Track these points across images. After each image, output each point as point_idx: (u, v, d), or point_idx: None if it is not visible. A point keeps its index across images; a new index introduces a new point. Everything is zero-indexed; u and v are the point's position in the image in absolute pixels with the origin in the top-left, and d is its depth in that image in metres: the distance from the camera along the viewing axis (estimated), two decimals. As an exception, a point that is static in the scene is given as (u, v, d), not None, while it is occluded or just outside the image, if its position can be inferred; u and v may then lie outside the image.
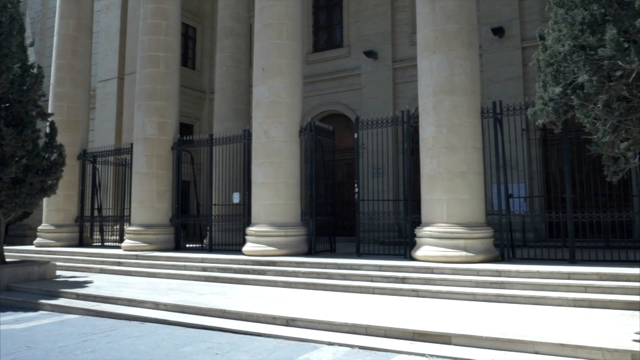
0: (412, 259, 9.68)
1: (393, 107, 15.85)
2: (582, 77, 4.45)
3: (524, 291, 7.30)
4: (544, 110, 5.04)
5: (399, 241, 12.61)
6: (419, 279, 8.32)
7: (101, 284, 10.33)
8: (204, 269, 10.77)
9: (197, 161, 16.75)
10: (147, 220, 13.47)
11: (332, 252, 11.96)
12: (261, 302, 7.69)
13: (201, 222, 13.65)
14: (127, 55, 19.35)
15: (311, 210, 11.37)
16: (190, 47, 20.35)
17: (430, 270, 8.60)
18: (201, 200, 15.55)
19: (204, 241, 15.21)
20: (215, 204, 13.23)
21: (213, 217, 13.18)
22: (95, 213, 16.19)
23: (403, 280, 8.42)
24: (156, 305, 8.03)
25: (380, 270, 9.02)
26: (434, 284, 8.14)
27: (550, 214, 9.06)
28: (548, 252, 9.33)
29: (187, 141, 13.55)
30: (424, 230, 9.39)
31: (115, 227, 16.38)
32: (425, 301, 7.50)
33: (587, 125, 5.38)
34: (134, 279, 10.94)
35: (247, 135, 12.27)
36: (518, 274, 7.82)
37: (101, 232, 16.39)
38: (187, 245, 14.44)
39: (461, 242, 9.01)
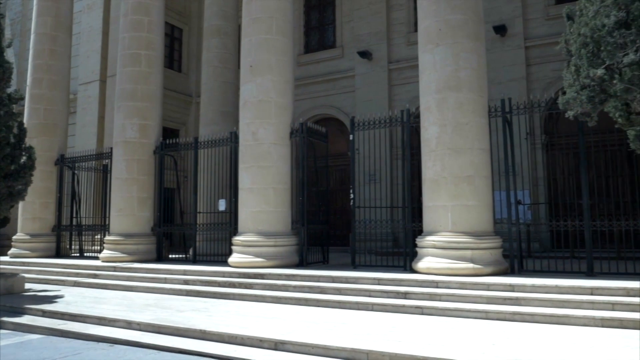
0: (413, 271, 8.87)
1: (388, 109, 15.07)
2: (631, 56, 3.67)
3: (543, 308, 6.49)
4: (578, 98, 4.24)
5: (396, 251, 11.79)
6: (422, 294, 7.49)
7: (72, 298, 9.39)
8: (186, 282, 9.86)
9: (181, 167, 15.87)
10: (127, 229, 12.55)
11: (324, 263, 11.12)
12: (247, 321, 6.81)
13: (185, 231, 12.73)
14: (110, 56, 18.46)
15: (303, 218, 10.53)
16: (176, 49, 19.52)
17: (435, 284, 7.78)
18: (185, 207, 14.69)
19: (189, 251, 14.33)
20: (200, 212, 12.34)
21: (197, 225, 12.29)
22: (75, 222, 15.22)
23: (405, 295, 7.58)
24: (129, 324, 7.12)
25: (379, 284, 8.18)
26: (440, 300, 7.31)
27: (566, 222, 8.28)
28: (556, 263, 8.54)
29: (170, 145, 12.67)
30: (427, 240, 8.58)
31: (96, 237, 15.43)
32: (431, 320, 6.67)
33: (620, 119, 4.61)
34: (110, 293, 9.99)
35: (234, 138, 11.42)
36: (534, 288, 7.02)
37: (80, 242, 15.42)
38: (171, 256, 13.50)
39: (468, 253, 8.21)
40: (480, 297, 7.07)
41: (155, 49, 12.97)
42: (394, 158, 15.31)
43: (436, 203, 8.60)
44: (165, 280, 10.17)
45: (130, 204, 12.58)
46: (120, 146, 12.74)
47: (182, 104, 19.41)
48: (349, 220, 16.79)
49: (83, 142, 18.64)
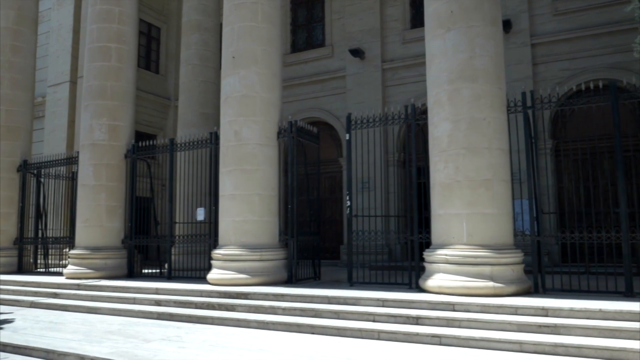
0: (421, 289, 7.69)
1: (382, 113, 13.97)
2: None
3: (590, 339, 5.33)
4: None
5: (392, 266, 10.59)
6: (438, 319, 6.28)
7: (23, 324, 7.97)
8: (158, 303, 8.51)
9: (158, 174, 14.54)
10: (94, 242, 11.17)
11: (316, 280, 9.88)
12: (226, 355, 5.52)
13: (159, 244, 11.37)
14: (81, 56, 17.02)
15: (292, 229, 9.29)
16: (154, 49, 18.22)
17: (451, 307, 6.58)
18: (162, 217, 13.33)
19: (166, 266, 12.99)
20: (176, 222, 11.03)
21: (173, 237, 10.96)
22: (41, 234, 13.74)
23: (417, 320, 6.37)
24: (82, 360, 5.78)
25: (383, 306, 6.96)
26: (460, 326, 6.11)
27: (600, 234, 7.18)
28: (579, 280, 7.43)
29: (143, 147, 11.34)
30: (437, 254, 7.40)
31: (65, 251, 13.98)
32: (453, 352, 5.46)
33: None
34: (69, 317, 8.59)
35: (214, 139, 10.17)
36: (572, 313, 5.87)
37: (45, 256, 13.94)
38: (145, 271, 12.11)
39: (487, 269, 7.05)
40: (509, 323, 5.89)
41: (127, 42, 11.69)
42: (389, 164, 14.17)
43: (448, 211, 7.44)
44: (134, 301, 8.80)
45: (97, 214, 11.21)
46: (87, 149, 11.39)
47: (160, 107, 18.09)
48: (340, 231, 15.73)
49: (52, 148, 17.17)
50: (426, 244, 8.15)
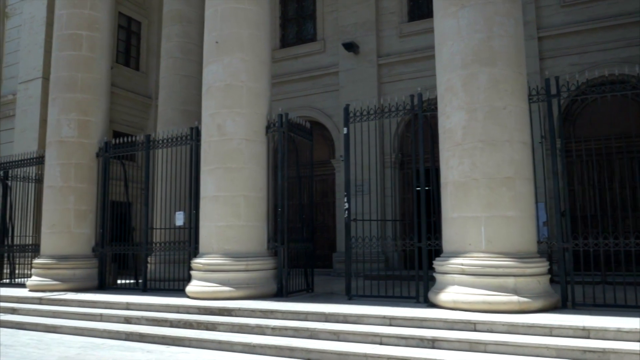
0: (432, 304, 6.69)
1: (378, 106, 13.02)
2: None
3: (651, 366, 4.36)
4: None
5: (390, 275, 9.57)
6: (459, 341, 5.27)
7: (-32, 347, 6.80)
8: (128, 321, 7.38)
9: (137, 177, 13.41)
10: (61, 250, 10.01)
11: (309, 292, 8.84)
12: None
13: (134, 252, 10.23)
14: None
15: (282, 235, 8.25)
16: (134, 44, 17.09)
17: (472, 326, 5.58)
18: (139, 223, 12.18)
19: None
20: (153, 228, 9.94)
21: (150, 245, 9.85)
22: (7, 241, 12.51)
23: (433, 343, 5.35)
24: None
25: (391, 325, 5.94)
26: (486, 351, 5.11)
27: (617, 241, 6.28)
28: (604, 291, 6.50)
29: (117, 145, 10.22)
30: (452, 264, 6.41)
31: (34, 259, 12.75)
32: (483, 384, 4.45)
33: None
34: (24, 337, 7.43)
35: (195, 135, 9.11)
36: (620, 334, 4.90)
37: (11, 265, 12.70)
38: (120, 282, 10.96)
39: (510, 281, 6.07)
40: (546, 347, 4.90)
41: (100, 29, 10.60)
42: (385, 166, 13.20)
43: (463, 214, 6.46)
44: (101, 318, 7.66)
45: (65, 219, 10.06)
46: (54, 147, 10.24)
47: (140, 106, 16.94)
48: (332, 238, 14.68)
49: (23, 148, 15.83)
50: (435, 252, 7.17)
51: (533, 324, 5.33)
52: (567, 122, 11.75)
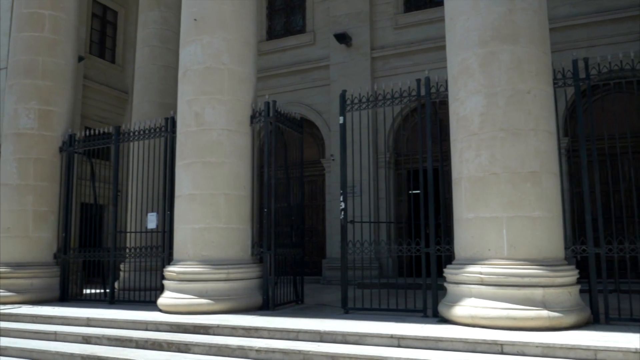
0: (443, 319, 5.76)
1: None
2: None
3: None
4: None
5: (385, 283, 8.60)
6: (485, 367, 4.32)
7: None
8: (86, 340, 6.28)
9: (110, 178, 12.29)
10: (17, 257, 8.86)
11: (299, 304, 7.85)
12: None
13: (100, 259, 9.08)
14: (23, 39, 14.74)
15: (268, 240, 7.25)
16: (109, 35, 15.96)
17: (499, 348, 4.64)
18: (119, 226, 11.07)
19: (114, 285, 10.73)
20: (120, 231, 8.85)
21: (119, 250, 8.76)
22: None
23: (454, 370, 4.39)
24: None
25: (400, 346, 4.97)
26: (520, 380, 4.16)
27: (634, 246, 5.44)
28: (630, 302, 5.66)
29: (83, 139, 9.11)
30: (468, 273, 5.47)
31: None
32: None
33: None
34: (-35, 359, 6.29)
35: (170, 126, 8.07)
36: (686, 358, 4.00)
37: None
38: (88, 292, 9.78)
39: (538, 293, 5.15)
40: (596, 376, 3.97)
41: (65, 9, 9.50)
42: (379, 165, 12.28)
43: (481, 214, 5.54)
44: (55, 337, 6.54)
45: (22, 221, 8.91)
46: (10, 140, 9.10)
47: (116, 101, 15.80)
48: (322, 243, 13.65)
49: (-13, 146, 14.71)
50: (446, 258, 6.24)
51: (573, 345, 4.41)
52: (573, 120, 10.98)
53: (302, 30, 13.99)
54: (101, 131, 9.10)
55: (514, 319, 5.08)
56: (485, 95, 5.63)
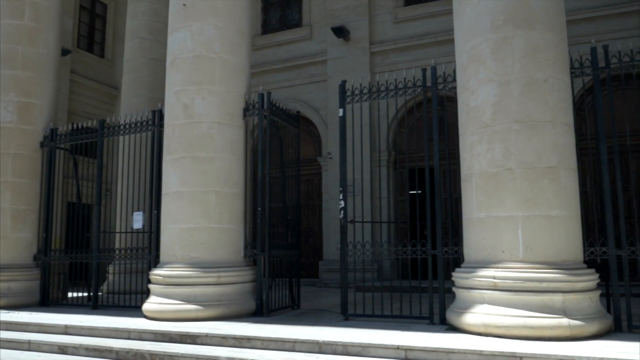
0: (452, 327, 5.32)
1: (371, 103, 11.67)
2: None
3: None
4: None
5: (384, 286, 8.13)
6: (505, 384, 3.86)
7: None
8: (63, 350, 5.77)
9: (93, 175, 11.79)
10: (-5, 259, 8.31)
11: (294, 309, 7.38)
12: None
13: (83, 261, 8.54)
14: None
15: (263, 241, 6.77)
16: (99, 29, 15.43)
17: (518, 361, 4.18)
18: (105, 226, 10.57)
19: (101, 288, 10.22)
20: (105, 231, 8.36)
21: (103, 252, 8.24)
22: None
23: (470, 387, 3.93)
24: None
25: (406, 358, 4.50)
26: (545, 399, 3.71)
27: None
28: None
29: (66, 133, 8.59)
30: (480, 277, 5.02)
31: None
32: None
33: None
34: None
35: (158, 119, 7.57)
36: None
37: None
38: (73, 295, 9.24)
39: (558, 299, 4.71)
40: (633, 395, 3.52)
41: (48, -4, 8.99)
42: (377, 164, 11.83)
43: (494, 213, 5.09)
44: (29, 346, 6.02)
45: (1, 220, 8.37)
46: (-12, 134, 8.57)
47: (105, 97, 15.27)
48: (318, 244, 13.15)
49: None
50: (453, 260, 5.79)
51: (602, 358, 3.96)
52: (579, 118, 10.58)
53: (298, 24, 13.53)
54: (85, 125, 8.60)
55: (532, 327, 4.64)
56: (497, 84, 5.19)
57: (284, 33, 13.55)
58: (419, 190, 10.08)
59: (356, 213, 9.49)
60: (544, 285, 4.74)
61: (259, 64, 13.10)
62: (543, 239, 4.92)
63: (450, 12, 11.62)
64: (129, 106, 10.91)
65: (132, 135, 8.04)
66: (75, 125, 8.51)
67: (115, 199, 10.69)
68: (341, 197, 6.42)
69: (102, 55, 15.46)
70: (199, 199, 6.49)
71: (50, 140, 8.61)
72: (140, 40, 11.21)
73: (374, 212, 11.48)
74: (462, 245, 5.67)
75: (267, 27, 13.95)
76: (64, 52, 13.15)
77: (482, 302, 4.98)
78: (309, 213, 12.96)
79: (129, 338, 5.74)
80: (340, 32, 12.20)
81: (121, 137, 8.92)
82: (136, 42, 11.24)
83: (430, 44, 11.68)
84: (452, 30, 12.03)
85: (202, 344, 5.31)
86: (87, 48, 14.96)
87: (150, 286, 6.66)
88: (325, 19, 12.95)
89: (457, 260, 5.76)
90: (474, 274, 5.11)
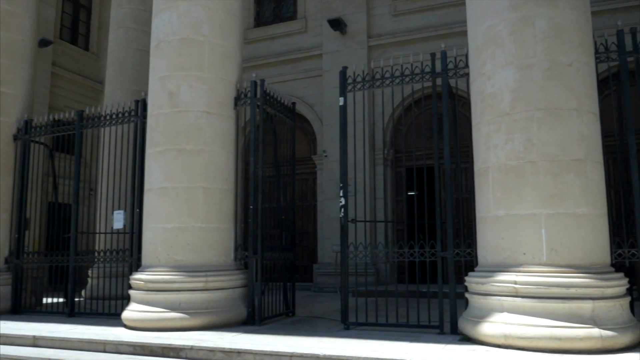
0: (465, 337, 4.78)
1: (369, 99, 11.15)
2: None
3: None
4: None
5: (383, 291, 7.60)
6: (537, 407, 3.32)
7: None
8: (31, 364, 5.15)
9: (82, 175, 11.16)
10: (-37, 262, 7.66)
11: (289, 316, 6.81)
12: None
13: (59, 264, 7.89)
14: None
15: (255, 242, 6.19)
16: (83, 20, 14.77)
17: (549, 380, 3.65)
18: (89, 226, 9.94)
19: (82, 293, 9.62)
20: (83, 232, 7.75)
21: (80, 255, 7.61)
22: None
23: (496, 410, 3.38)
24: None
25: (418, 375, 3.96)
26: None
27: None
28: None
29: (42, 124, 7.95)
30: (499, 282, 4.49)
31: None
32: None
33: None
34: None
35: (141, 109, 6.98)
36: None
37: None
38: (51, 301, 8.57)
39: (587, 307, 4.20)
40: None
41: (24, -23, 8.36)
42: (376, 162, 11.29)
43: (514, 211, 4.57)
44: (-7, 359, 5.40)
45: (-30, 221, 7.73)
46: (-43, 127, 7.92)
47: (89, 92, 14.58)
48: (312, 246, 12.54)
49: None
50: (468, 265, 5.27)
51: (646, 377, 3.44)
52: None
53: (292, 16, 12.98)
54: (63, 116, 7.96)
55: (559, 339, 4.11)
56: (517, 68, 4.67)
57: (278, 26, 13.00)
58: (419, 189, 9.58)
59: (352, 213, 9.01)
60: (572, 291, 4.23)
61: (252, 58, 12.53)
62: (569, 239, 4.41)
63: (451, 5, 11.39)
64: (113, 99, 10.22)
65: (116, 129, 7.44)
66: (51, 117, 7.88)
67: (97, 197, 10.08)
68: (341, 194, 5.87)
69: (86, 48, 14.80)
70: (185, 196, 5.90)
71: (24, 133, 7.96)
72: (125, 30, 10.62)
73: (372, 212, 10.96)
74: (475, 247, 5.15)
75: (260, 20, 13.39)
76: (46, 42, 12.53)
77: (502, 310, 4.44)
78: (303, 214, 12.39)
79: (104, 351, 5.13)
80: (337, 24, 11.67)
81: (104, 132, 8.35)
82: (121, 32, 10.65)
83: (430, 38, 11.17)
84: (453, 23, 11.49)
85: (186, 358, 4.72)
86: (71, 40, 14.29)
87: (131, 292, 6.06)
88: (321, 12, 12.42)
89: (468, 264, 5.24)
90: (491, 279, 4.58)
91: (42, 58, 12.96)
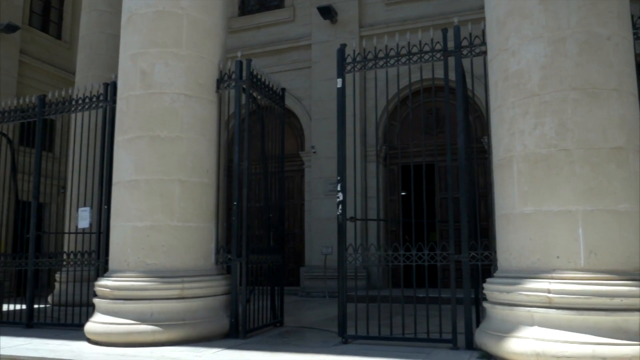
0: (485, 354, 4.12)
1: (360, 92, 10.52)
2: None
3: None
4: None
5: (375, 296, 6.91)
6: None
7: None
8: (-28, 387, 4.34)
9: (53, 172, 10.26)
10: None
11: (278, 326, 6.08)
12: None
13: (18, 268, 7.03)
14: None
15: (239, 243, 5.44)
16: (55, 7, 13.85)
17: (603, 412, 2.98)
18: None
19: (48, 299, 8.78)
20: (43, 232, 6.93)
21: (41, 258, 6.77)
22: None
23: None
24: None
25: (440, 405, 3.25)
26: None
27: None
28: None
29: (2, 112, 7.10)
30: (527, 291, 3.83)
31: None
32: None
33: None
34: None
35: (111, 93, 6.18)
36: None
37: None
38: (15, 307, 7.68)
39: (634, 321, 3.57)
40: None
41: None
42: (369, 159, 10.62)
43: (545, 207, 3.91)
44: None
45: None
46: None
47: (61, 82, 13.60)
48: (300, 248, 11.72)
49: None
50: (485, 269, 4.61)
51: None
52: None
53: (280, 5, 12.27)
54: (19, 102, 7.10)
55: (603, 358, 3.46)
56: (548, 42, 4.02)
57: (264, 14, 12.28)
58: (418, 187, 8.92)
59: (349, 212, 8.30)
60: (616, 301, 3.58)
61: (236, 48, 11.55)
62: (610, 240, 3.77)
63: (447, -6, 10.80)
64: (83, 85, 9.42)
65: (89, 118, 6.65)
66: (9, 103, 7.02)
67: (70, 194, 9.25)
68: (339, 189, 5.15)
69: (58, 37, 13.88)
70: (159, 190, 5.12)
71: (-19, 121, 7.11)
72: (98, 13, 9.80)
73: (364, 212, 10.29)
74: (494, 249, 4.49)
75: (245, 8, 12.64)
76: (12, 27, 11.64)
77: (532, 324, 3.78)
78: (290, 214, 11.64)
79: (60, 371, 4.34)
80: (327, 12, 10.99)
81: (75, 122, 7.52)
82: (94, 15, 9.82)
83: (425, 29, 10.49)
84: (450, 13, 10.82)
85: (157, 381, 3.96)
86: (42, 27, 13.38)
87: (95, 300, 5.25)
88: (309, 0, 11.72)
89: (473, 267, 4.58)
90: (518, 287, 3.91)
91: (9, 45, 12.07)
